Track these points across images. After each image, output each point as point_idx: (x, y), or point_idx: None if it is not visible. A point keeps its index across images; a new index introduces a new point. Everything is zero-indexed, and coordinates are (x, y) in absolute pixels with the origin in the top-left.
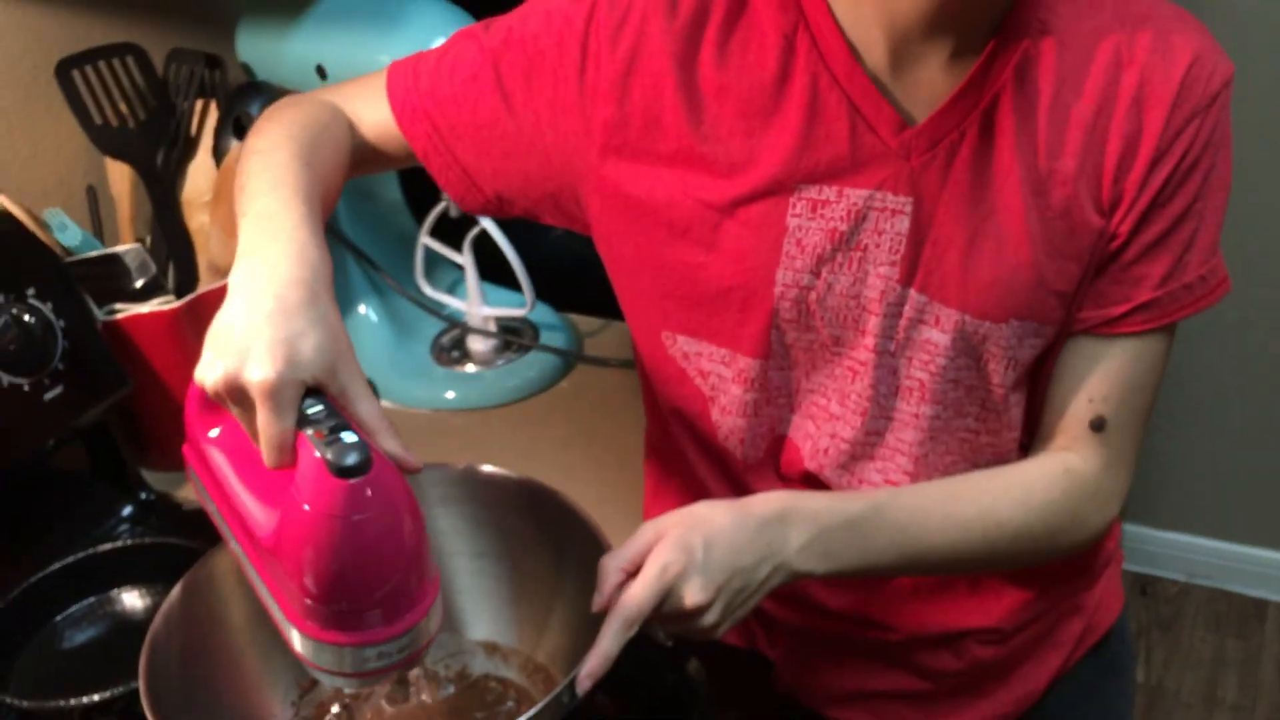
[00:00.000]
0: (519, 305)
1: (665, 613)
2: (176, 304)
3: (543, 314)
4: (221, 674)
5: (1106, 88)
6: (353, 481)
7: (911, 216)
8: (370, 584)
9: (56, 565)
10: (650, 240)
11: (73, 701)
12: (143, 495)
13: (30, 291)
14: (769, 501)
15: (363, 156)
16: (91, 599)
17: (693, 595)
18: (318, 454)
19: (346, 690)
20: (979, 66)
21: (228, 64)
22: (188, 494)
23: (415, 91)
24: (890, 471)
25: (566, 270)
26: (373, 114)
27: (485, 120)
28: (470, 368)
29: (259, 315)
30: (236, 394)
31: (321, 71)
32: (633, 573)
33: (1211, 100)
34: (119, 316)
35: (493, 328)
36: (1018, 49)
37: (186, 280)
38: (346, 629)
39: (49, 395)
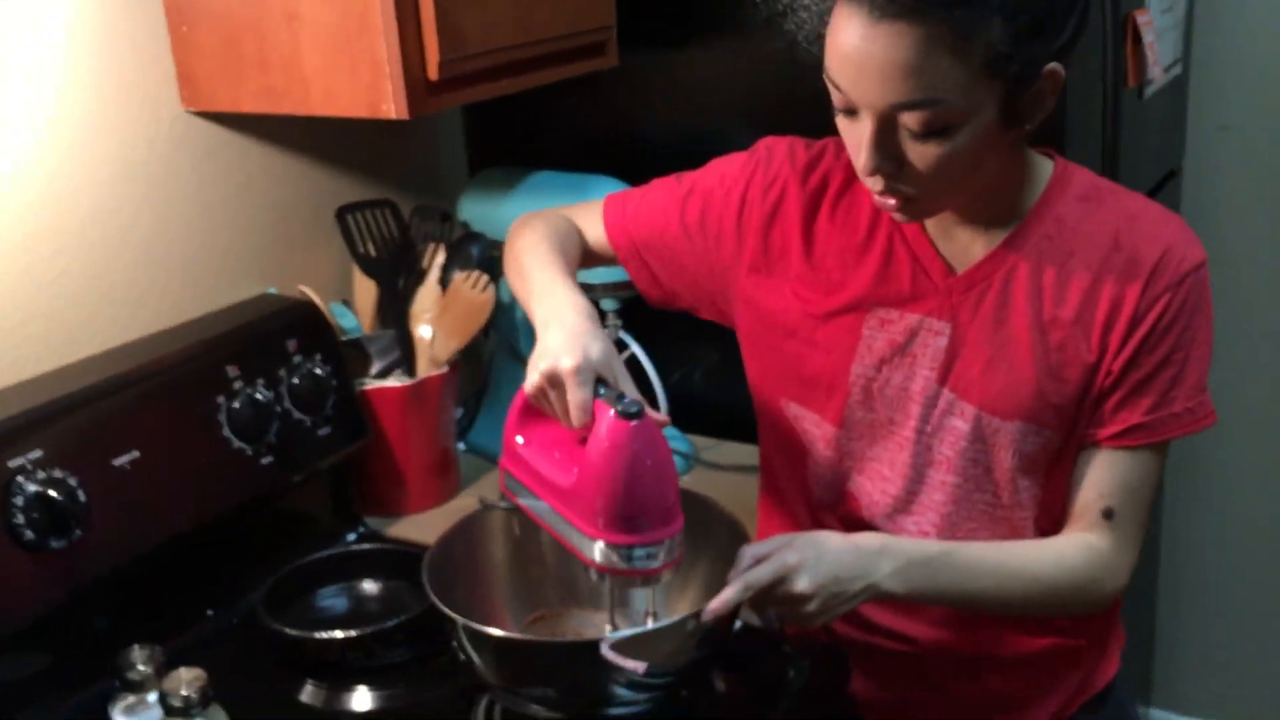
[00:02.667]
0: None
1: (779, 594)
2: (409, 382)
3: (667, 431)
4: (475, 582)
5: (1102, 263)
6: (635, 423)
7: (949, 336)
8: (650, 495)
9: (316, 555)
10: (773, 335)
11: (334, 634)
12: (361, 529)
13: (318, 356)
14: (872, 538)
15: (585, 256)
16: (340, 584)
17: (801, 585)
18: (611, 411)
19: (624, 590)
20: (1005, 241)
21: (455, 218)
22: (392, 531)
23: (623, 217)
24: (923, 524)
25: (690, 399)
26: (592, 229)
27: (670, 242)
28: None
29: (562, 337)
30: (554, 379)
31: None
32: (759, 562)
33: (1182, 279)
34: (367, 387)
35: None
36: (1037, 231)
37: (405, 371)
38: (635, 532)
39: (322, 431)
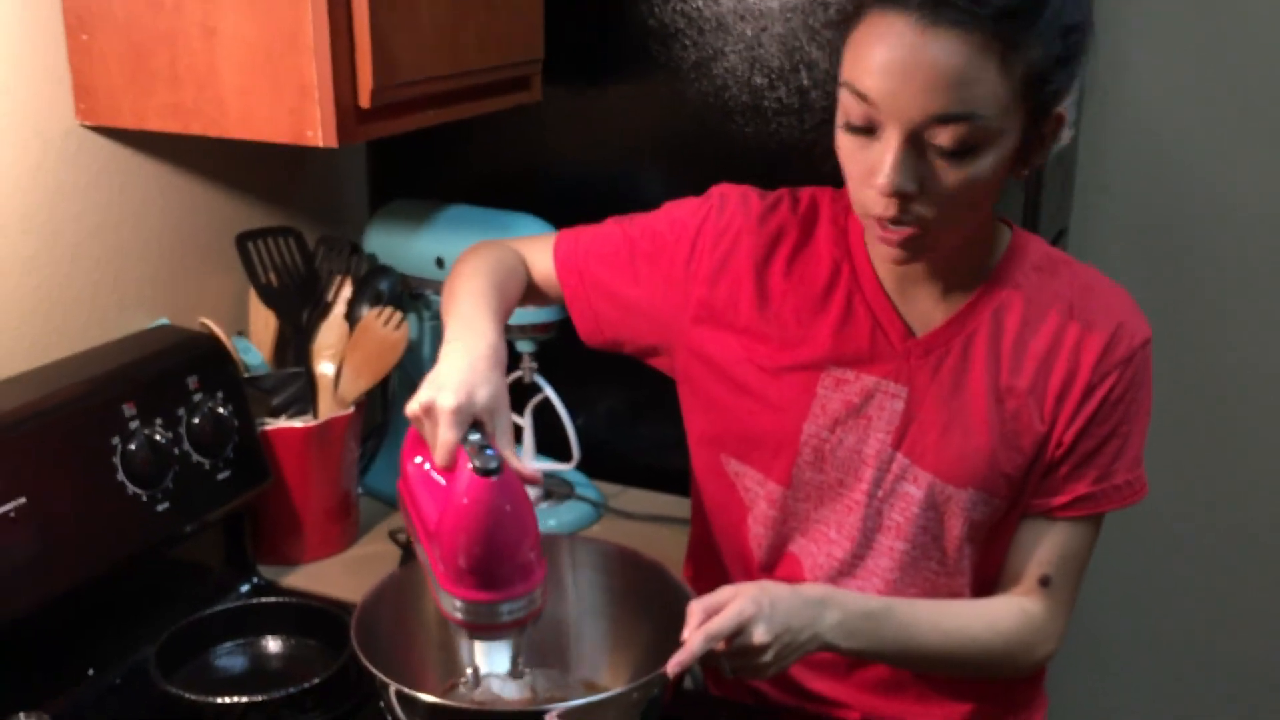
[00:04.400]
0: (563, 464)
1: (735, 647)
2: (313, 422)
3: (575, 477)
4: (403, 641)
5: (1057, 334)
6: (490, 480)
7: (905, 400)
8: (505, 552)
9: (210, 610)
10: (720, 389)
11: (237, 699)
12: (255, 580)
13: (220, 394)
14: (815, 588)
15: (530, 292)
16: (238, 641)
17: (759, 635)
18: (469, 464)
19: (481, 643)
20: (965, 307)
21: (363, 250)
22: (288, 581)
23: (574, 255)
24: (866, 589)
25: (597, 445)
26: (541, 264)
27: (618, 285)
28: None
29: (456, 370)
30: (430, 412)
31: (440, 262)
32: (711, 615)
33: (1131, 355)
34: (268, 428)
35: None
36: (996, 298)
37: (304, 410)
38: (484, 589)
39: (221, 475)
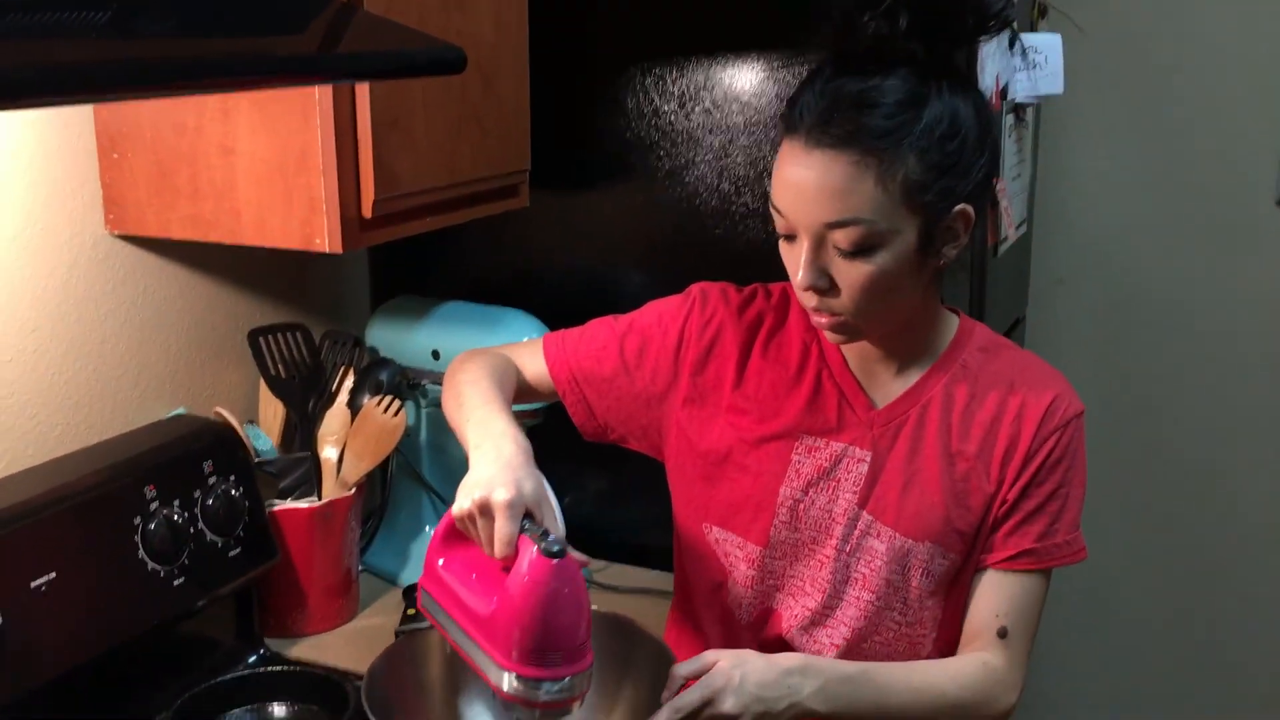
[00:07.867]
0: None
1: (705, 716)
2: (318, 504)
3: None
4: (409, 707)
5: (1000, 405)
6: (557, 561)
7: (869, 464)
8: (565, 632)
9: (221, 679)
10: (704, 461)
11: None
12: (262, 650)
13: (232, 478)
14: (792, 657)
15: (521, 391)
16: (248, 707)
17: (727, 706)
18: (535, 547)
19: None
20: (919, 381)
21: (365, 343)
22: (293, 653)
23: (564, 352)
24: (835, 638)
25: (580, 523)
26: (533, 365)
27: (608, 375)
28: None
29: (498, 469)
30: (485, 508)
31: (436, 354)
32: (691, 680)
33: (1066, 424)
34: (276, 508)
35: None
36: (946, 374)
37: (310, 492)
38: (547, 666)
39: (232, 552)
